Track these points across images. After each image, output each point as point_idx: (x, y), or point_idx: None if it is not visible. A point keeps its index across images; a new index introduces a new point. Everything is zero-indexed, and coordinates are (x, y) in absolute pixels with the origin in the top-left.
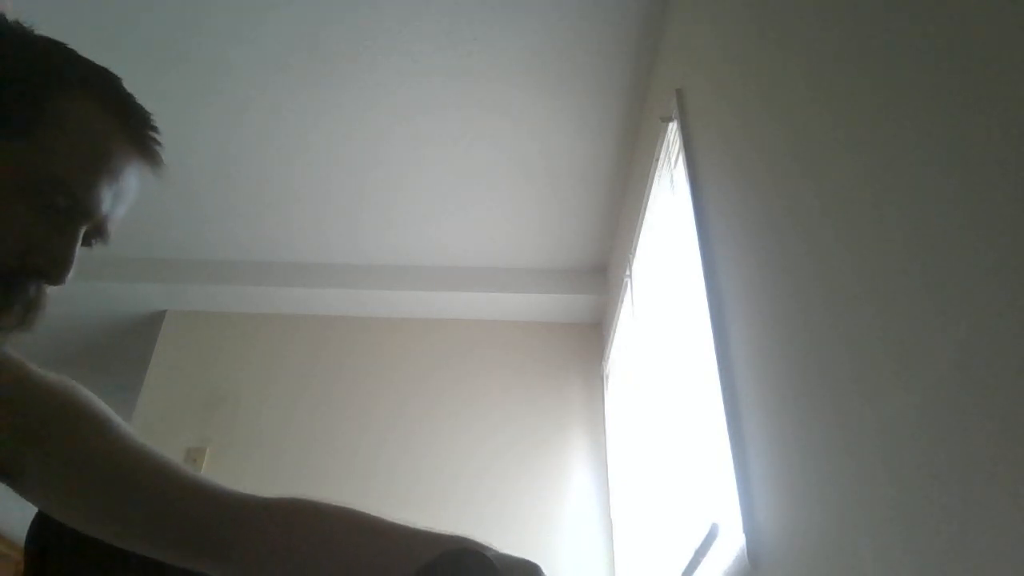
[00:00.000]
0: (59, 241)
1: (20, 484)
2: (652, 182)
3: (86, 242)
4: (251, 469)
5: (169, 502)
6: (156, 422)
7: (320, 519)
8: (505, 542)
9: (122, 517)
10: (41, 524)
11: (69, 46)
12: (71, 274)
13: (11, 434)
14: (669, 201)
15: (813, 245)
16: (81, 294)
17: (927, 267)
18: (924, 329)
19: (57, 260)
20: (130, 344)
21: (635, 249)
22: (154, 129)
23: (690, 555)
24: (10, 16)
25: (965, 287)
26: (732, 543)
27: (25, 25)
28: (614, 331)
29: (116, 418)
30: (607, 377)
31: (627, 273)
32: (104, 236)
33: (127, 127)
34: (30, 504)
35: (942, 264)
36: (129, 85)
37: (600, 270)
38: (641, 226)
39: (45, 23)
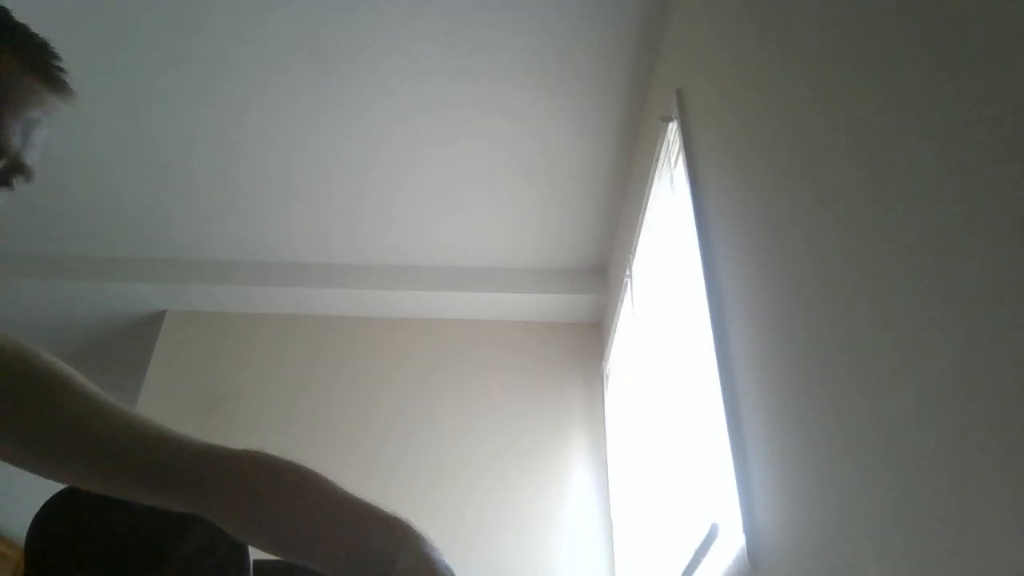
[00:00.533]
0: None
1: None
2: (652, 182)
3: (6, 183)
4: None
5: (136, 443)
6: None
7: (285, 474)
8: (505, 542)
9: (89, 460)
10: (41, 524)
11: None
12: None
13: None
14: (669, 201)
15: (813, 245)
16: (81, 294)
17: (927, 266)
18: (924, 329)
19: None
20: (130, 344)
21: (635, 249)
22: (54, 56)
23: (690, 555)
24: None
25: (965, 286)
26: (732, 543)
27: None
28: (614, 331)
29: (69, 369)
30: (607, 377)
31: (627, 273)
32: (24, 173)
33: (22, 57)
34: (30, 504)
35: (942, 263)
36: (130, 85)
37: (600, 270)
38: (641, 226)
39: (45, 23)
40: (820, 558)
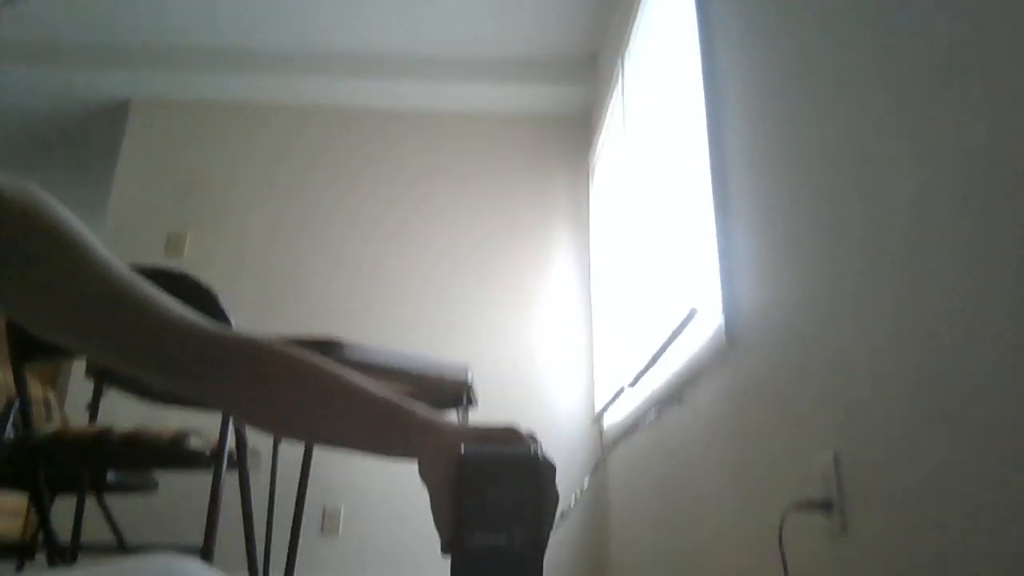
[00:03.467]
0: None
1: None
2: None
3: None
4: (233, 254)
5: (153, 335)
6: (133, 209)
7: (287, 360)
8: (487, 322)
9: (97, 336)
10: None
11: None
12: None
13: None
14: None
15: (821, 18)
16: (40, 81)
17: (935, 45)
18: (928, 112)
19: None
20: (98, 134)
21: (629, 37)
22: None
23: (667, 335)
24: None
25: (971, 66)
26: (710, 322)
27: None
28: (603, 123)
29: (86, 231)
30: (593, 170)
31: (619, 63)
32: None
33: None
34: None
35: (948, 50)
36: None
37: (590, 60)
38: (637, 11)
39: None
40: (798, 336)
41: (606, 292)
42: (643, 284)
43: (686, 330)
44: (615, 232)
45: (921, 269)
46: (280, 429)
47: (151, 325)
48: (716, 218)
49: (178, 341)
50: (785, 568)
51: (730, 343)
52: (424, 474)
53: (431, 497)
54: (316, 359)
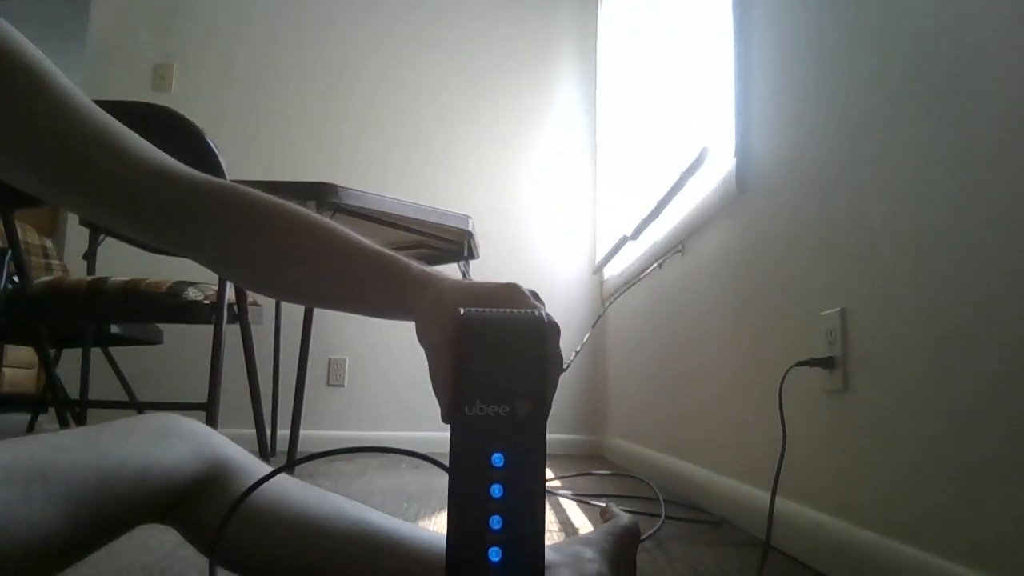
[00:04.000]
0: None
1: None
2: None
3: None
4: (223, 89)
5: (123, 181)
6: (114, 38)
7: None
8: (484, 170)
9: (64, 182)
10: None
11: None
12: None
13: None
14: None
15: None
16: None
17: None
18: None
19: None
20: None
21: None
22: None
23: (674, 181)
24: None
25: None
26: (721, 166)
27: None
28: None
29: (48, 61)
30: None
31: None
32: None
33: None
34: None
35: None
36: None
37: None
38: None
39: None
40: (814, 183)
41: (612, 136)
42: (653, 128)
43: (694, 177)
44: (625, 61)
45: (953, 113)
46: (264, 284)
47: (120, 169)
48: (735, 49)
49: (150, 187)
50: (783, 424)
51: (740, 189)
52: (422, 337)
53: (429, 362)
54: (303, 210)
